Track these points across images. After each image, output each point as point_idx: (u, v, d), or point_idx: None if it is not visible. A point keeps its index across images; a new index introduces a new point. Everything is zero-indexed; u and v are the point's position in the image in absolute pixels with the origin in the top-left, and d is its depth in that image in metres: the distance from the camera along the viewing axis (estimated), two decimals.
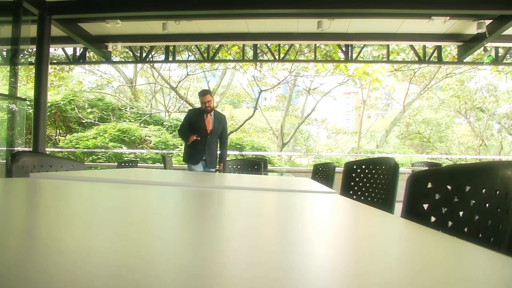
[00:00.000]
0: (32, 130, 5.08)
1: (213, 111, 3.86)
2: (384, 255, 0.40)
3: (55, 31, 5.28)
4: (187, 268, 0.29)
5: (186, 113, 4.13)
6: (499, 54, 6.45)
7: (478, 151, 16.19)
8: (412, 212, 0.85)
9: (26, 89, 7.95)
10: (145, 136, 11.63)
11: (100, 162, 10.05)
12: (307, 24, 5.66)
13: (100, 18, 5.43)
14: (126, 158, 10.23)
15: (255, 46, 6.81)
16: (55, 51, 8.71)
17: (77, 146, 10.46)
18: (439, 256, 0.41)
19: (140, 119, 13.26)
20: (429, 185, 0.83)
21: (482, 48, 6.22)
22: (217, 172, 3.82)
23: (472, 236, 0.69)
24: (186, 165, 4.03)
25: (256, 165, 3.54)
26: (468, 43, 5.96)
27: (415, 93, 16.51)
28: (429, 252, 0.43)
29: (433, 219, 0.80)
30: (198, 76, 15.19)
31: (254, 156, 10.16)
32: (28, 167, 1.33)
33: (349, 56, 6.67)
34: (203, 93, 3.83)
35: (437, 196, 0.81)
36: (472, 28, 5.44)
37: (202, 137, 3.78)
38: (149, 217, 0.57)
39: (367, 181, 1.50)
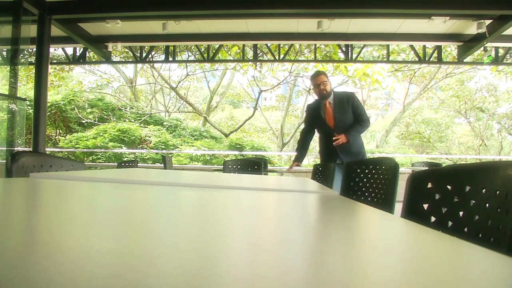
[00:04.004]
0: (32, 130, 5.08)
1: (331, 95, 2.94)
2: (384, 255, 0.40)
3: (55, 31, 5.28)
4: (187, 268, 0.29)
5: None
6: (499, 54, 6.45)
7: (478, 151, 16.18)
8: (412, 212, 0.85)
9: (26, 89, 7.95)
10: (145, 136, 11.63)
11: (100, 162, 10.05)
12: (307, 24, 5.66)
13: (100, 18, 5.43)
14: (126, 158, 10.23)
15: (255, 46, 6.81)
16: (55, 51, 8.70)
17: (77, 146, 10.47)
18: (439, 256, 0.41)
19: (140, 119, 13.26)
20: (429, 185, 0.83)
21: (482, 48, 6.22)
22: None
23: (472, 236, 0.69)
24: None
25: (256, 165, 3.53)
26: (468, 43, 5.96)
27: (415, 93, 16.51)
28: (429, 252, 0.43)
29: (433, 219, 0.80)
30: (198, 76, 15.19)
31: (254, 156, 10.16)
32: (28, 167, 1.33)
33: (349, 56, 6.67)
34: (316, 74, 3.00)
35: (437, 196, 0.81)
36: (472, 28, 5.44)
37: (329, 136, 2.92)
38: (149, 217, 0.57)
39: (367, 181, 1.49)
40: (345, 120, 2.91)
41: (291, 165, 3.22)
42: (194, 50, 7.78)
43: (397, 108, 18.86)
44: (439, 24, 5.26)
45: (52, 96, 11.71)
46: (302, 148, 3.19)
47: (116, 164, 6.54)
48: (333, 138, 2.84)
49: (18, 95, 4.92)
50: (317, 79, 2.95)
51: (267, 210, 0.79)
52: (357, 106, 2.93)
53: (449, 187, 0.79)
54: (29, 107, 6.57)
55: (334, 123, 2.93)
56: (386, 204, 1.29)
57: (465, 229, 0.72)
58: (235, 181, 1.49)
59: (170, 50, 7.08)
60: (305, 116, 3.20)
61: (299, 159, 3.18)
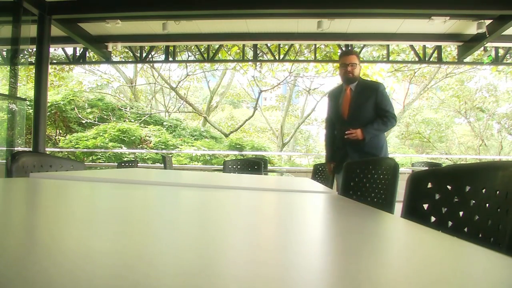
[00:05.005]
0: (32, 130, 5.08)
1: (356, 83, 2.47)
2: (384, 255, 0.40)
3: (55, 31, 5.28)
4: (187, 268, 0.29)
5: None
6: (499, 54, 6.45)
7: (478, 151, 16.18)
8: (412, 212, 0.85)
9: (26, 89, 7.95)
10: (145, 136, 11.63)
11: (100, 162, 10.05)
12: (307, 24, 5.66)
13: (100, 18, 5.43)
14: (126, 158, 10.23)
15: (255, 46, 6.81)
16: (55, 51, 8.71)
17: (77, 146, 10.47)
18: (439, 256, 0.41)
19: (140, 119, 13.26)
20: (429, 185, 0.83)
21: (482, 48, 6.22)
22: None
23: (472, 236, 0.69)
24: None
25: (256, 165, 3.53)
26: (468, 43, 5.96)
27: (415, 93, 16.51)
28: (429, 252, 0.43)
29: (433, 219, 0.80)
30: (198, 76, 15.20)
31: (254, 156, 10.17)
32: (28, 167, 1.33)
33: None
34: (346, 52, 2.60)
35: (437, 196, 0.81)
36: (472, 28, 5.44)
37: (341, 128, 2.47)
38: (149, 217, 0.57)
39: (367, 181, 1.49)
40: (361, 112, 2.40)
41: (328, 169, 2.68)
42: (194, 50, 7.78)
43: (397, 108, 18.84)
44: (439, 24, 5.26)
45: (52, 96, 11.71)
46: (330, 144, 2.65)
47: (116, 164, 6.55)
48: (346, 132, 2.36)
49: (18, 95, 4.92)
50: (346, 58, 2.47)
51: (267, 210, 0.79)
52: (382, 98, 2.39)
53: (449, 187, 0.79)
54: (29, 107, 6.57)
55: (348, 113, 2.45)
56: (386, 204, 1.28)
57: (465, 229, 0.72)
58: (235, 181, 1.49)
59: (170, 50, 7.08)
60: (327, 104, 2.72)
61: (332, 157, 2.61)
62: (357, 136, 2.35)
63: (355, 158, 2.36)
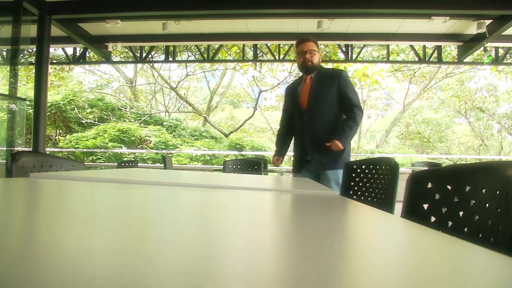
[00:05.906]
0: (32, 130, 5.08)
1: (316, 71, 2.24)
2: (384, 255, 0.40)
3: (55, 31, 5.28)
4: (187, 268, 0.29)
5: None
6: (499, 54, 6.46)
7: (478, 151, 16.18)
8: (412, 212, 0.85)
9: (26, 89, 7.96)
10: (145, 136, 11.63)
11: (99, 162, 10.05)
12: (307, 24, 5.67)
13: (100, 18, 5.44)
14: (126, 158, 10.23)
15: (255, 46, 6.82)
16: (55, 51, 8.72)
17: (77, 146, 10.47)
18: (439, 256, 0.41)
19: (140, 119, 13.27)
20: (429, 185, 0.83)
21: (482, 48, 6.23)
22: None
23: (472, 236, 0.69)
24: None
25: (256, 165, 3.53)
26: (468, 43, 5.97)
27: (415, 93, 16.53)
28: (429, 252, 0.43)
29: (433, 219, 0.80)
30: (198, 76, 15.21)
31: (254, 156, 10.16)
32: (28, 167, 1.33)
33: (349, 56, 6.67)
34: (303, 39, 2.26)
35: (437, 196, 0.81)
36: (472, 28, 5.45)
37: (299, 121, 2.27)
38: (149, 217, 0.57)
39: (367, 181, 1.49)
40: (322, 101, 2.18)
41: (273, 162, 2.54)
42: (194, 50, 7.80)
43: (397, 108, 18.87)
44: (439, 24, 5.27)
45: (52, 96, 11.71)
46: (280, 139, 2.48)
47: (116, 164, 6.55)
48: (326, 145, 2.12)
49: (18, 95, 4.92)
50: (304, 45, 2.21)
51: (267, 210, 0.79)
52: (345, 85, 2.16)
53: (449, 187, 0.79)
54: (29, 107, 6.57)
55: (307, 103, 2.21)
56: (386, 204, 1.29)
57: (465, 229, 0.72)
58: (235, 181, 1.49)
59: (170, 50, 7.08)
60: (285, 98, 2.51)
61: (278, 152, 2.48)
62: (338, 148, 2.11)
63: (317, 157, 2.19)
